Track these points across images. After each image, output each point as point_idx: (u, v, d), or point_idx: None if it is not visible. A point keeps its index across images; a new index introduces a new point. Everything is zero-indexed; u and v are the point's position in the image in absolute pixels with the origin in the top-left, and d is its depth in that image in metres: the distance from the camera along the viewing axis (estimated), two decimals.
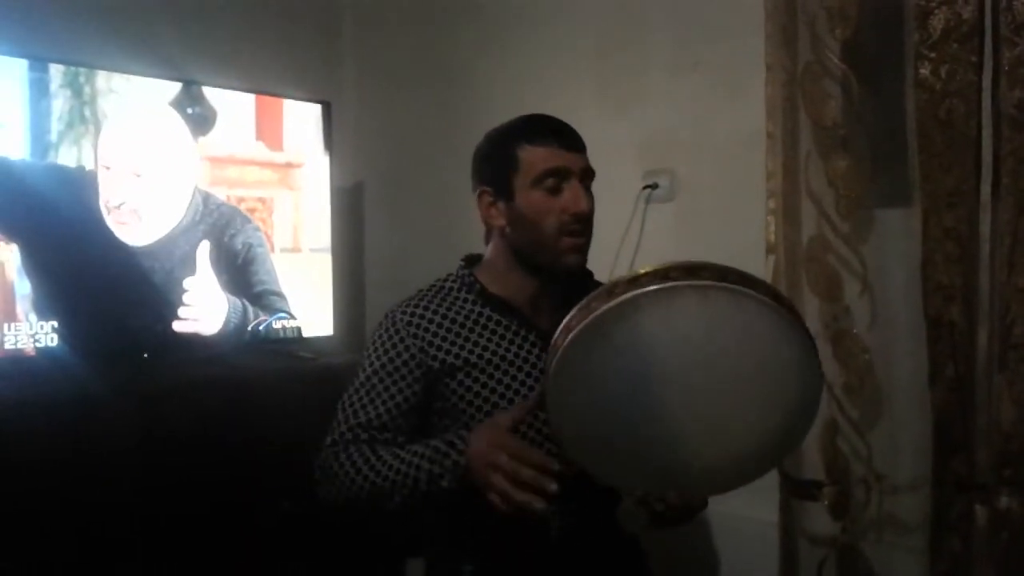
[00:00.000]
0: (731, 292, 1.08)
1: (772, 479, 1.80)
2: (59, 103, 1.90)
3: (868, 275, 1.73)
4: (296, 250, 2.33)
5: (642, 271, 1.09)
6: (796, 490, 1.79)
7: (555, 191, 1.38)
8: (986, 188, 1.53)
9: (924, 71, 1.57)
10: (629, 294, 1.07)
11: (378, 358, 1.41)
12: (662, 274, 1.08)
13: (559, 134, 1.40)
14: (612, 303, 1.08)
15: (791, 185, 1.77)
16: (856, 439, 1.75)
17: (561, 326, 1.13)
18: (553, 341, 1.14)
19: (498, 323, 1.43)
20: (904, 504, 1.72)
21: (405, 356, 1.40)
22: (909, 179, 1.65)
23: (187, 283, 2.08)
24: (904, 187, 1.67)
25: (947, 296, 1.57)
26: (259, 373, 2.17)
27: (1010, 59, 1.49)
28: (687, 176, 2.10)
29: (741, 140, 1.92)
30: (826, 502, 1.77)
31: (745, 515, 1.92)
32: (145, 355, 2.02)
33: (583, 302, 1.11)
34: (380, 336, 1.43)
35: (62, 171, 1.90)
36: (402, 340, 1.40)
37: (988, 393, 1.56)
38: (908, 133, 1.64)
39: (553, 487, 1.15)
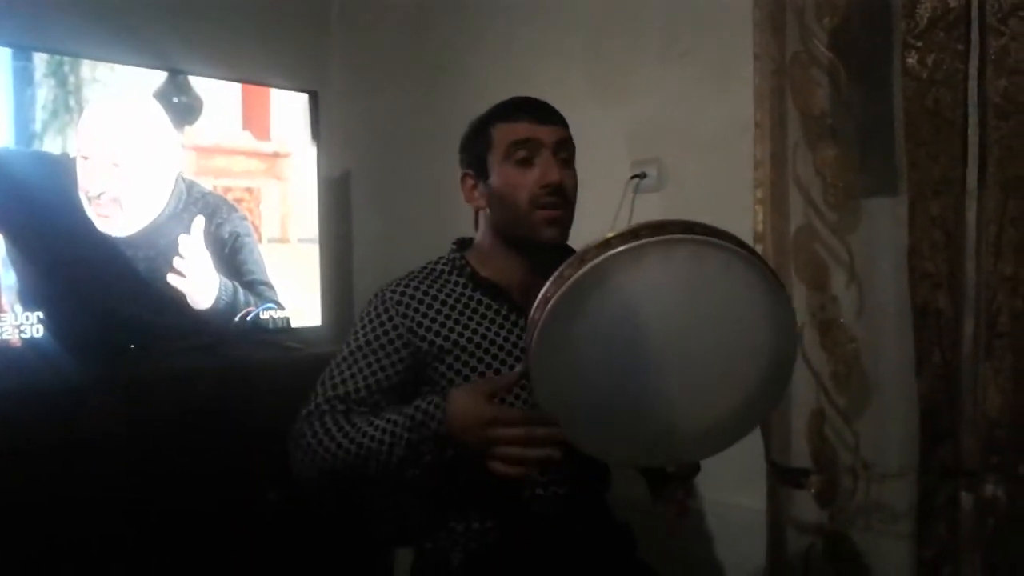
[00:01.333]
0: (695, 243, 1.11)
1: (759, 467, 1.81)
2: (43, 92, 1.89)
3: (855, 264, 1.74)
4: (284, 240, 2.32)
5: (611, 234, 1.09)
6: (783, 478, 1.80)
7: (526, 164, 1.38)
8: (972, 177, 1.54)
9: (911, 60, 1.57)
10: (599, 258, 1.08)
11: (364, 334, 1.40)
12: (631, 234, 1.09)
13: (530, 109, 1.41)
14: (584, 269, 1.09)
15: (779, 175, 1.77)
16: (843, 427, 1.76)
17: (538, 298, 1.13)
18: (531, 315, 1.14)
19: (488, 307, 1.43)
20: (891, 491, 1.73)
21: (392, 335, 1.39)
22: (896, 168, 1.65)
23: (181, 248, 2.07)
24: (891, 176, 1.68)
25: (934, 284, 1.58)
26: (247, 363, 2.17)
27: (996, 48, 1.49)
28: (675, 166, 2.10)
29: (729, 130, 1.92)
30: (813, 490, 1.78)
31: (733, 503, 1.94)
32: (132, 346, 2.00)
33: (556, 272, 1.12)
34: (369, 313, 1.42)
35: (45, 160, 1.88)
36: (391, 319, 1.39)
37: (974, 381, 1.56)
38: (895, 122, 1.65)
39: (556, 453, 1.15)
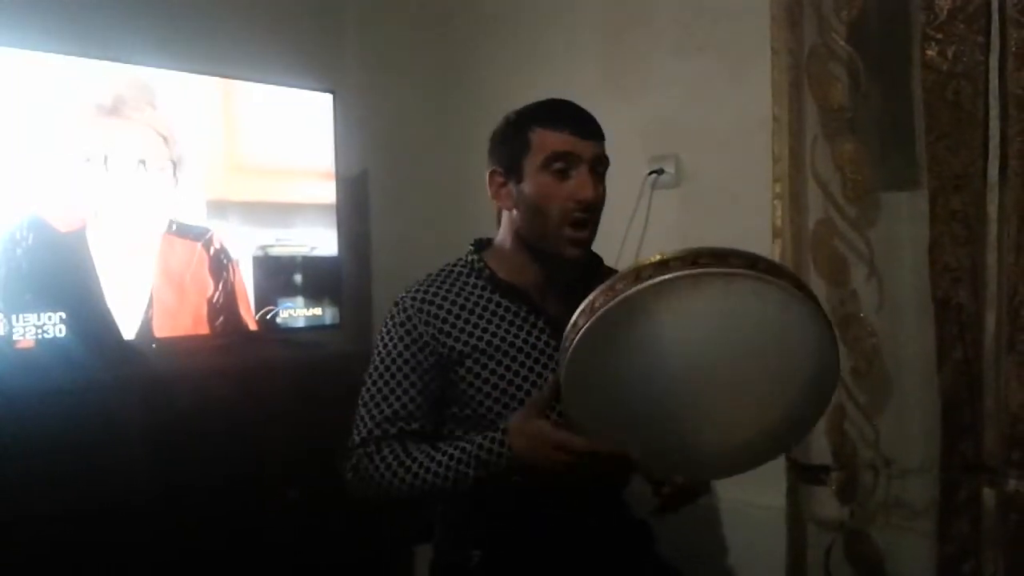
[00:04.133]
0: (756, 280, 1.08)
1: (779, 464, 1.80)
2: None
3: (875, 259, 1.73)
4: (302, 240, 2.33)
5: (670, 256, 1.07)
6: (804, 475, 1.80)
7: (563, 176, 1.36)
8: (993, 170, 1.53)
9: (931, 52, 1.56)
10: (657, 279, 1.06)
11: (395, 347, 1.39)
12: (691, 259, 1.07)
13: (574, 120, 1.39)
14: (640, 287, 1.07)
15: (797, 169, 1.76)
16: (864, 423, 1.76)
17: (583, 306, 1.12)
18: (574, 321, 1.13)
19: (507, 309, 1.42)
20: (912, 487, 1.72)
21: (420, 343, 1.38)
22: (916, 162, 1.64)
23: (189, 273, 2.08)
24: (911, 170, 1.67)
25: (955, 278, 1.57)
26: (266, 362, 2.18)
27: (1017, 40, 1.48)
28: (693, 161, 2.09)
29: (747, 124, 1.91)
30: (834, 487, 1.77)
31: (753, 500, 1.93)
32: (153, 345, 2.02)
33: (608, 283, 1.10)
34: (393, 324, 1.41)
35: None
36: (415, 327, 1.39)
37: (996, 375, 1.55)
38: (915, 115, 1.64)
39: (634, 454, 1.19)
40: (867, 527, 1.77)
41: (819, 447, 1.79)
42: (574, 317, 1.13)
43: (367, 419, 1.38)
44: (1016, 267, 1.50)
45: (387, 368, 1.39)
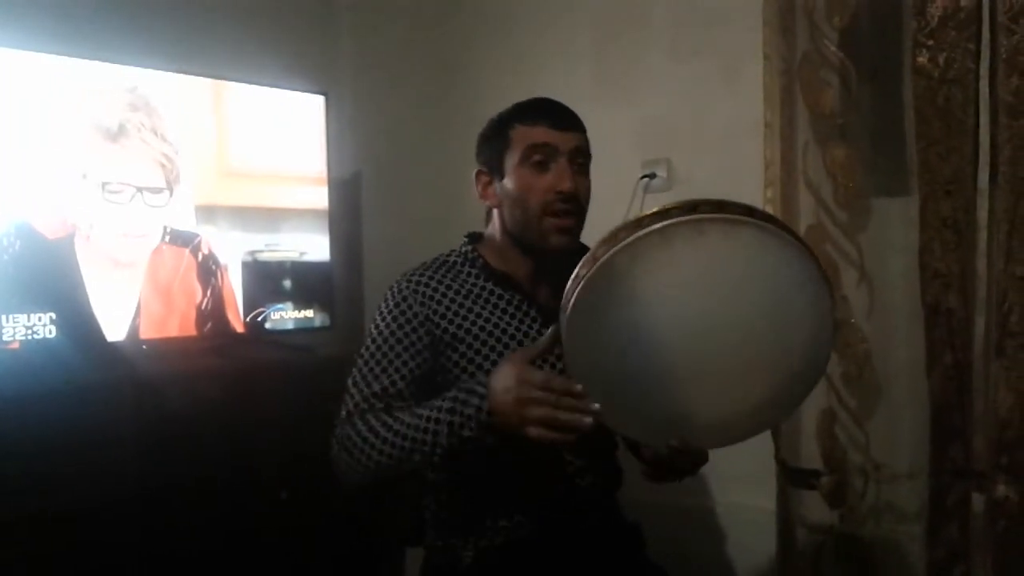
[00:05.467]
0: (758, 228, 1.09)
1: (769, 467, 1.80)
2: None
3: (866, 264, 1.74)
4: (293, 245, 2.32)
5: (671, 205, 1.08)
6: (794, 479, 1.80)
7: (542, 168, 1.38)
8: (983, 176, 1.54)
9: (922, 59, 1.57)
10: (659, 224, 1.07)
11: (387, 326, 1.40)
12: (691, 207, 1.08)
13: (550, 113, 1.41)
14: (641, 232, 1.07)
15: (789, 174, 1.77)
16: (854, 428, 1.76)
17: (585, 257, 1.12)
18: (576, 272, 1.13)
19: (500, 297, 1.44)
20: (901, 492, 1.73)
21: (415, 323, 1.39)
22: (906, 167, 1.65)
23: (178, 279, 2.07)
24: (901, 175, 1.68)
25: (945, 284, 1.58)
26: (257, 364, 2.17)
27: (1007, 47, 1.49)
28: (684, 165, 2.10)
29: (739, 129, 1.91)
30: (823, 491, 1.78)
31: (743, 503, 1.93)
32: (143, 346, 2.01)
33: (610, 233, 1.10)
34: (387, 305, 1.42)
35: None
36: (410, 307, 1.40)
37: (985, 381, 1.56)
38: (906, 121, 1.65)
39: (595, 405, 1.14)
40: (857, 531, 1.77)
41: (809, 451, 1.80)
42: (576, 269, 1.13)
43: (355, 394, 1.38)
44: (1005, 273, 1.51)
45: (378, 348, 1.39)
